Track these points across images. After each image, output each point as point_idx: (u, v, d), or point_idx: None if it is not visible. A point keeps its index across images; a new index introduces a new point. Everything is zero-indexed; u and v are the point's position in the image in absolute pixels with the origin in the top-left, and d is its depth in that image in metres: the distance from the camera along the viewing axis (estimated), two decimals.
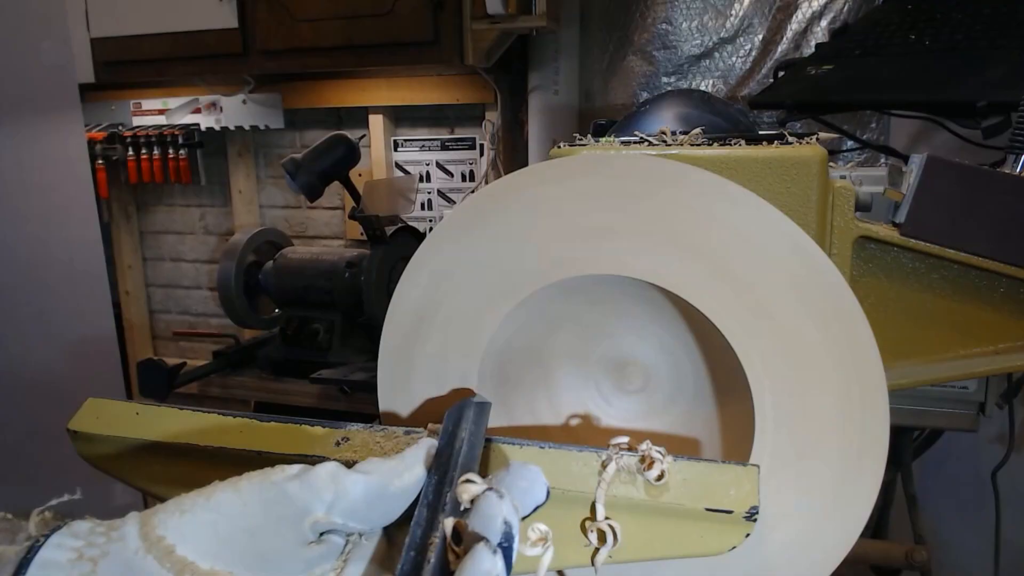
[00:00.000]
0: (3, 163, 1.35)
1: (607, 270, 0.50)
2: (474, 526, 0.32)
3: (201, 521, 0.33)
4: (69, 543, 0.32)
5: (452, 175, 2.35)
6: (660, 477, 0.41)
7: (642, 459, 0.42)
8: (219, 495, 0.34)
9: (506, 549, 0.31)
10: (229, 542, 0.33)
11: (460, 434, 0.40)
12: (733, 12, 1.89)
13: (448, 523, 0.33)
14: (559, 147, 0.61)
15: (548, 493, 0.38)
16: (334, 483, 0.34)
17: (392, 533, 0.38)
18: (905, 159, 0.67)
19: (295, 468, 0.35)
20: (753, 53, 1.89)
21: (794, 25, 1.84)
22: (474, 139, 2.30)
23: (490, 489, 0.34)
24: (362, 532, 0.37)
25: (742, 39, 1.90)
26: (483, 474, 0.37)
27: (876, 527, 1.40)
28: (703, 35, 1.92)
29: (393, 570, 0.34)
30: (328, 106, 2.38)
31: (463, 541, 0.32)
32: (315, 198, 1.92)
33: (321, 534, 0.35)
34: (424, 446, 0.38)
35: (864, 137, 1.72)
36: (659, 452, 0.42)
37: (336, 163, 1.89)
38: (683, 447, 0.54)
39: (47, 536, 0.33)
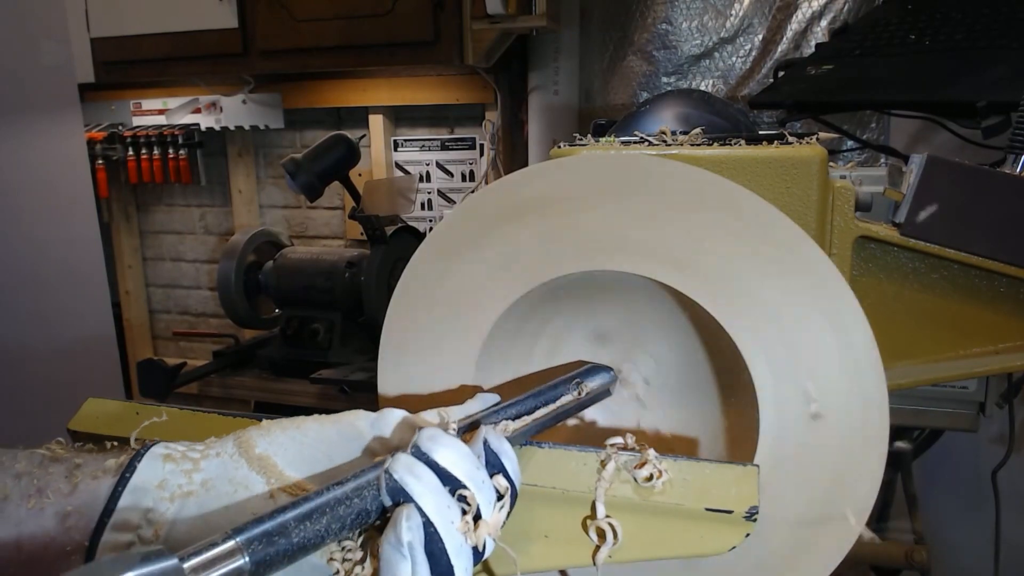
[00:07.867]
0: (3, 163, 1.35)
1: (611, 267, 0.50)
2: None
3: (290, 438, 0.39)
4: (172, 446, 0.37)
5: (452, 175, 2.35)
6: (649, 479, 0.41)
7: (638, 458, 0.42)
8: (306, 424, 0.40)
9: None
10: (311, 461, 0.39)
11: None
12: (733, 12, 1.89)
13: None
14: (559, 147, 0.61)
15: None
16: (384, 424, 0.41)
17: None
18: (905, 159, 0.67)
19: (373, 414, 0.41)
20: (753, 53, 1.89)
21: (794, 25, 1.84)
22: (474, 139, 2.29)
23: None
24: None
25: (742, 39, 1.90)
26: None
27: (876, 527, 1.40)
28: (703, 35, 1.92)
29: None
30: (328, 106, 2.38)
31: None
32: (315, 198, 1.92)
33: None
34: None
35: (864, 137, 1.72)
36: (655, 454, 0.42)
37: (336, 163, 1.89)
38: (684, 447, 0.54)
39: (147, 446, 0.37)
